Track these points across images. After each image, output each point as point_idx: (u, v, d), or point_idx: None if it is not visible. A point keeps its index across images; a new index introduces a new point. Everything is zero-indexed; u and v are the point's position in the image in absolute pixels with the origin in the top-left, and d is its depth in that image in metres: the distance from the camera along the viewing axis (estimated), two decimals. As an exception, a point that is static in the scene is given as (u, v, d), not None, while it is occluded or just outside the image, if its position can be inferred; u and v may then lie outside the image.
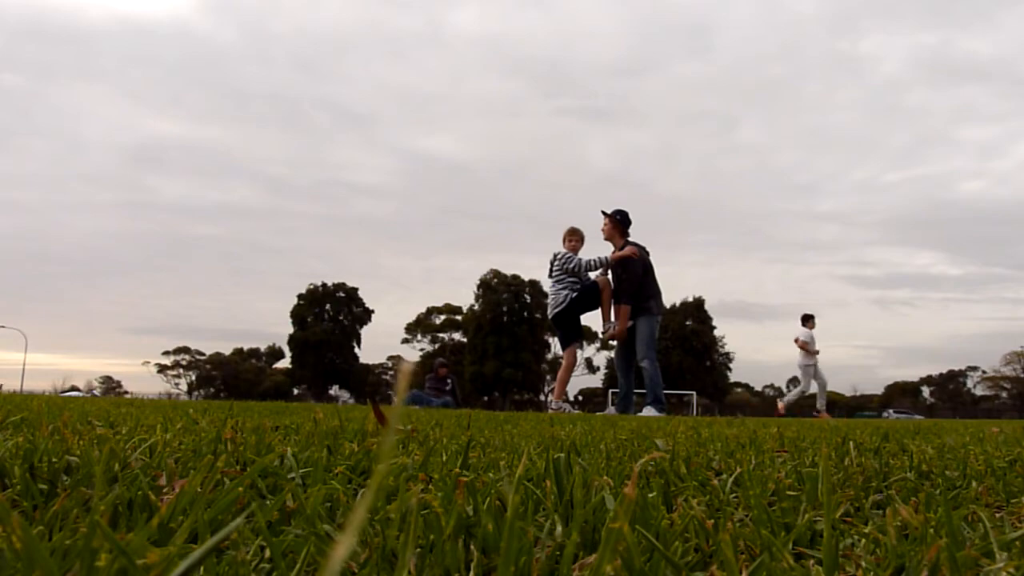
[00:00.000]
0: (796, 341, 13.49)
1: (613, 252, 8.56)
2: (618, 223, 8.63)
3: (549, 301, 8.73)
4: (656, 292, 8.55)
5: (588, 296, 8.56)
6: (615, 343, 8.76)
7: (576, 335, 8.79)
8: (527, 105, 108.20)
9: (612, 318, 8.56)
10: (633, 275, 8.36)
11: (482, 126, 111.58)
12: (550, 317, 8.72)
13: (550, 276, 8.73)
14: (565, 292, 8.51)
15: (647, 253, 8.65)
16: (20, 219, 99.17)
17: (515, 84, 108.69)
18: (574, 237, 8.76)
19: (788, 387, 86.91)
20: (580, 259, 8.51)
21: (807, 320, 13.63)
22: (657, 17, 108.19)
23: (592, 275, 8.63)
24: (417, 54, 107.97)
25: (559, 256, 8.61)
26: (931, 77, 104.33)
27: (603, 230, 8.70)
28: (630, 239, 8.64)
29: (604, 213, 8.71)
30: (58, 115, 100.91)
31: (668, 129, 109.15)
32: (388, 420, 0.28)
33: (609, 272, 8.62)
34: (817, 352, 13.45)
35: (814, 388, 13.54)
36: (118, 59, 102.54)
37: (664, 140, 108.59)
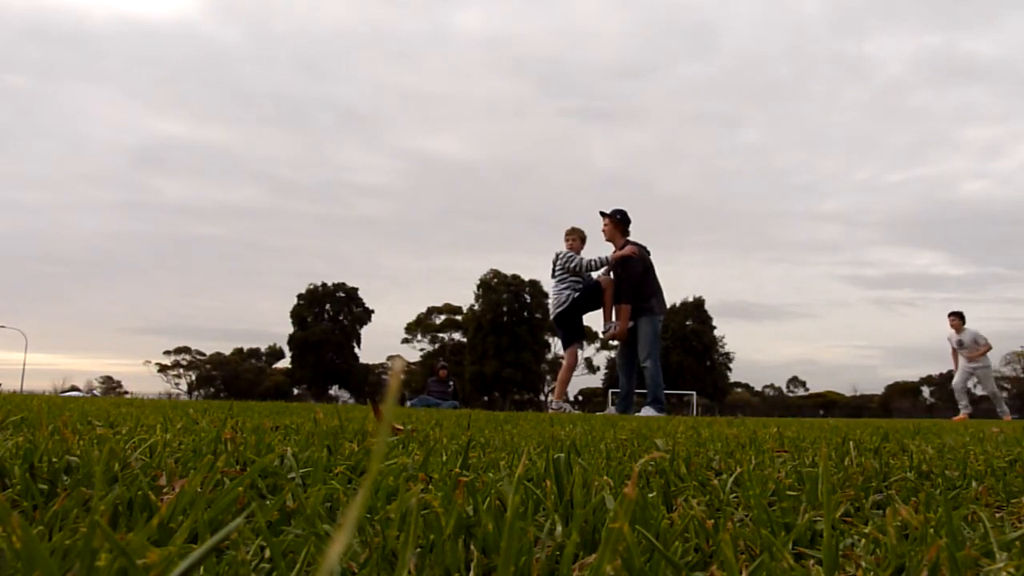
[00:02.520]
0: (977, 347, 12.14)
1: (614, 251, 8.58)
2: (618, 222, 8.64)
3: (551, 300, 8.74)
4: (657, 291, 8.54)
5: (591, 296, 8.57)
6: (617, 342, 8.78)
7: (578, 335, 8.80)
8: (530, 106, 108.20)
9: (613, 318, 8.58)
10: (633, 274, 8.37)
11: (485, 127, 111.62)
12: (552, 317, 8.73)
13: (553, 276, 8.74)
14: (567, 292, 8.53)
15: (648, 252, 8.65)
16: (21, 219, 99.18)
17: (518, 85, 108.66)
18: (574, 236, 8.79)
19: (788, 387, 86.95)
20: (582, 258, 8.53)
21: (958, 317, 12.34)
22: (661, 18, 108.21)
23: (595, 275, 8.65)
24: (420, 55, 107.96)
25: (561, 255, 8.63)
26: (934, 78, 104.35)
27: (604, 231, 8.71)
28: (630, 238, 8.65)
29: (603, 214, 8.71)
30: (61, 116, 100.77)
31: (670, 130, 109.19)
32: (382, 414, 0.28)
33: (611, 272, 8.64)
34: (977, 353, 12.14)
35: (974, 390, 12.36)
36: (122, 60, 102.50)
37: (666, 140, 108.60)
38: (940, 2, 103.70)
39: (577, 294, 8.51)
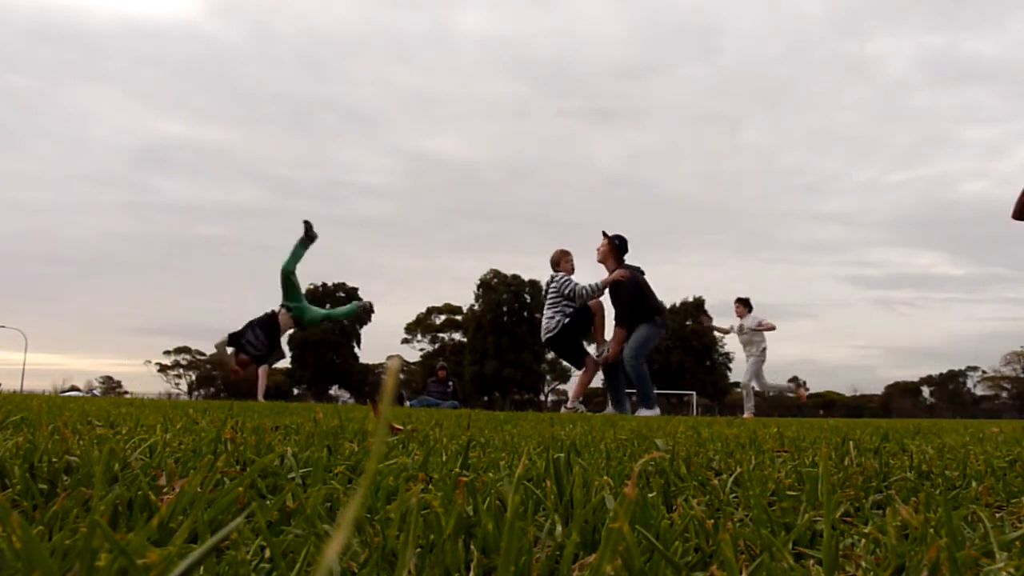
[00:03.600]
0: (760, 326, 11.24)
1: (606, 277, 8.58)
2: (615, 248, 8.62)
3: (542, 325, 8.68)
4: (659, 310, 8.53)
5: (581, 321, 8.55)
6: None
7: (581, 353, 8.77)
8: (531, 106, 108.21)
9: (605, 341, 8.59)
10: (624, 299, 8.36)
11: (486, 127, 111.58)
12: (544, 341, 8.71)
13: (545, 298, 8.72)
14: (558, 318, 8.51)
15: (642, 273, 8.64)
16: (22, 219, 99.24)
17: (519, 85, 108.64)
18: (568, 259, 8.76)
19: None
20: (576, 284, 8.49)
21: (742, 304, 11.61)
22: (662, 19, 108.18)
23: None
24: (422, 55, 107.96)
25: (556, 279, 8.58)
26: (935, 78, 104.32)
27: (599, 250, 8.69)
28: (625, 263, 8.62)
29: (605, 234, 8.70)
30: (64, 116, 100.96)
31: (672, 130, 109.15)
32: (380, 413, 0.28)
33: (607, 292, 8.57)
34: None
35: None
36: (124, 60, 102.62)
37: (668, 141, 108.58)
38: (942, 2, 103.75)
39: (567, 320, 8.48)
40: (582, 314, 8.55)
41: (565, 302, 8.54)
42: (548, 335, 8.57)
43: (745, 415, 10.78)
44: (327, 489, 0.91)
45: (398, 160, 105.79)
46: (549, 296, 8.65)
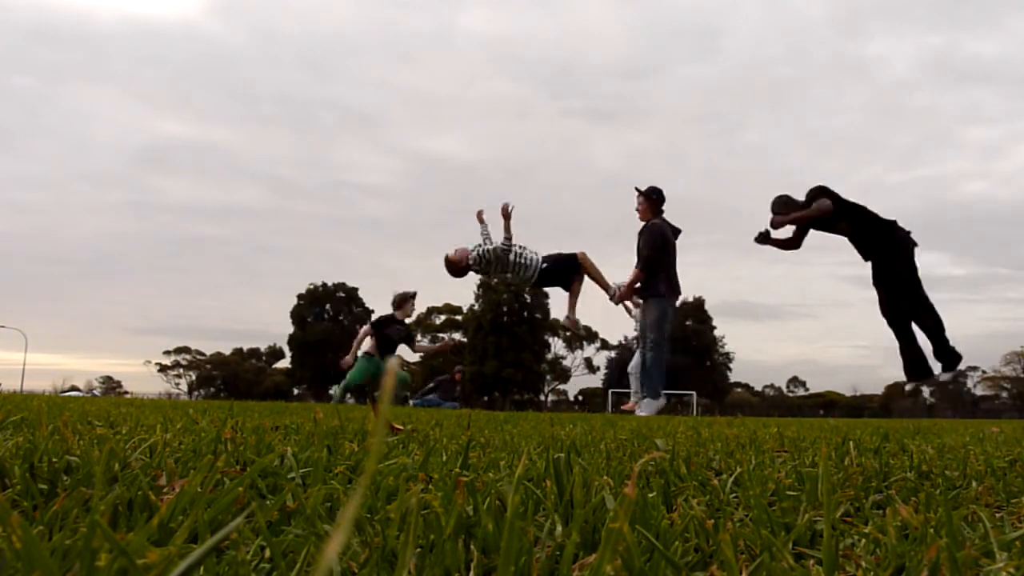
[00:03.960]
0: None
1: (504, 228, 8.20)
2: (653, 201, 8.28)
3: (520, 278, 8.35)
4: (669, 274, 8.13)
5: (561, 271, 8.36)
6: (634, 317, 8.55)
7: (567, 281, 8.52)
8: (533, 106, 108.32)
9: (610, 284, 8.39)
10: (654, 243, 8.01)
11: (487, 127, 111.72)
12: (531, 283, 8.43)
13: (497, 271, 8.39)
14: (528, 263, 8.22)
15: (676, 233, 8.26)
16: (23, 219, 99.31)
17: (521, 86, 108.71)
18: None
19: (788, 387, 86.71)
20: (488, 247, 8.22)
21: None
22: (663, 19, 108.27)
23: (533, 255, 8.32)
24: (424, 55, 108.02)
25: (479, 254, 8.20)
26: (936, 79, 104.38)
27: (638, 209, 8.36)
28: (663, 217, 8.30)
29: (637, 190, 8.38)
30: (66, 116, 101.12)
31: (674, 130, 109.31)
32: (380, 412, 0.28)
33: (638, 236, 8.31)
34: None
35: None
36: (126, 60, 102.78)
37: (669, 141, 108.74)
38: (943, 3, 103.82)
39: (545, 265, 8.25)
40: (566, 264, 8.31)
41: (525, 258, 8.18)
42: (532, 279, 8.30)
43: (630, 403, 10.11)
44: (327, 489, 0.91)
45: (399, 160, 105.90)
46: (497, 265, 8.22)
